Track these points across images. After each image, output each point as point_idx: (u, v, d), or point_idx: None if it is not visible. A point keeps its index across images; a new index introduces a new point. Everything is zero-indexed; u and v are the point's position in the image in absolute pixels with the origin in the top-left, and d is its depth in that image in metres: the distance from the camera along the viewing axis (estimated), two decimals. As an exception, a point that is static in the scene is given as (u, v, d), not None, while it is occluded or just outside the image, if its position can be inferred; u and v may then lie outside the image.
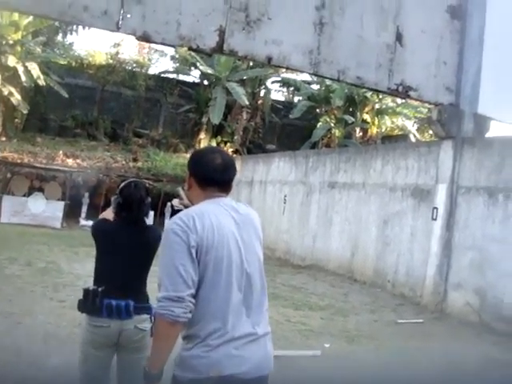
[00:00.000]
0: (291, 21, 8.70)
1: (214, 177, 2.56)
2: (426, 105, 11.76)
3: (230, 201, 2.62)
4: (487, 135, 10.47)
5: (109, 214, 3.78)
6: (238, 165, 16.06)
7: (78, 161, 22.21)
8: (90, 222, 19.45)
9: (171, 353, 2.38)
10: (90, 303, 3.45)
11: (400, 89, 9.62)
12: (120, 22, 7.75)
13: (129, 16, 7.80)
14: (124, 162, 23.04)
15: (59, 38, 29.05)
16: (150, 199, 3.72)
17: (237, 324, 2.44)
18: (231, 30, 8.25)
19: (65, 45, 26.37)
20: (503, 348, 7.73)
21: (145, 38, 8.02)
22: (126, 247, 3.53)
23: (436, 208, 10.36)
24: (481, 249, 9.46)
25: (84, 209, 19.94)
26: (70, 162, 21.97)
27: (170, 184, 22.08)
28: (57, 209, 18.63)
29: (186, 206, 2.83)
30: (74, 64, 24.26)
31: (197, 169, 2.60)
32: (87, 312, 3.49)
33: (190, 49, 8.27)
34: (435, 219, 10.35)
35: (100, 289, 3.43)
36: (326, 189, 13.57)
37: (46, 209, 18.31)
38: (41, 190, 19.91)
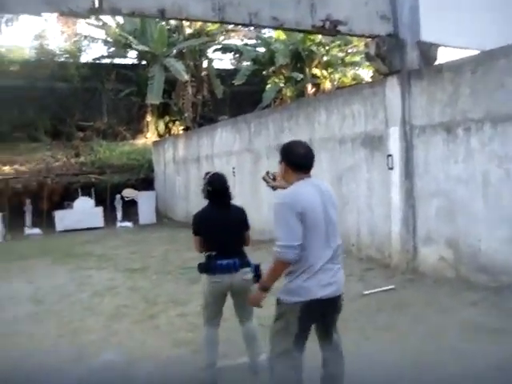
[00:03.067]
0: (182, -39, 7.23)
1: (302, 163, 3.70)
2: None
3: (314, 179, 3.74)
4: (435, 64, 9.13)
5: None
6: (181, 143, 14.54)
7: (16, 166, 20.57)
8: (36, 230, 18.08)
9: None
10: (207, 265, 4.82)
11: (327, 25, 8.20)
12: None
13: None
14: (65, 159, 21.43)
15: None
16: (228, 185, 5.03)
17: (322, 262, 3.58)
18: (108, -18, 6.76)
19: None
20: (483, 311, 6.55)
21: (-1, 8, 6.52)
22: (221, 222, 4.83)
23: (390, 155, 9.07)
24: (447, 193, 8.21)
25: (28, 217, 18.35)
26: (6, 169, 20.33)
27: (118, 175, 20.63)
28: (-6, 222, 17.02)
29: (273, 187, 4.30)
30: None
31: (290, 158, 3.71)
32: (206, 272, 4.82)
33: (63, 14, 6.76)
34: (392, 168, 9.07)
35: (213, 253, 4.80)
36: (273, 152, 12.09)
37: (-19, 224, 16.70)
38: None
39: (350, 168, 10.22)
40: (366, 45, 9.09)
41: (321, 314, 3.72)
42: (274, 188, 4.30)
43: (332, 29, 8.29)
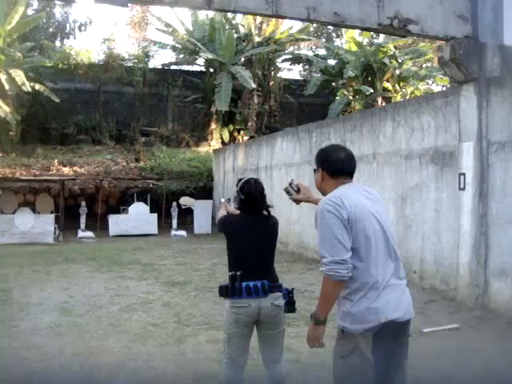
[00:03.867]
0: None
1: (343, 167, 3.23)
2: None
3: (358, 184, 3.33)
4: (520, 72, 8.04)
5: (231, 210, 4.29)
6: (241, 152, 13.77)
7: (75, 168, 20.39)
8: (89, 233, 17.72)
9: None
10: (230, 287, 3.90)
11: (395, 23, 7.26)
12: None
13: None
14: (125, 164, 21.13)
15: (57, 43, 27.42)
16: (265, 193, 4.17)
17: (386, 276, 2.96)
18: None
19: (54, 48, 24.34)
20: None
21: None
22: (253, 235, 4.00)
23: (463, 174, 8.01)
24: (527, 220, 7.11)
25: (82, 219, 18.00)
26: (66, 170, 20.18)
27: (176, 181, 20.15)
28: (47, 223, 16.69)
29: (296, 201, 3.89)
30: (60, 65, 22.19)
31: (328, 163, 3.26)
32: (229, 296, 3.93)
33: (99, 1, 6.07)
34: (463, 188, 8.00)
35: (238, 273, 3.88)
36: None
37: (35, 224, 16.41)
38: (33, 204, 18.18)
39: (417, 186, 9.18)
40: (440, 48, 8.07)
41: (392, 343, 3.02)
42: (297, 202, 3.90)
43: (401, 28, 7.34)
